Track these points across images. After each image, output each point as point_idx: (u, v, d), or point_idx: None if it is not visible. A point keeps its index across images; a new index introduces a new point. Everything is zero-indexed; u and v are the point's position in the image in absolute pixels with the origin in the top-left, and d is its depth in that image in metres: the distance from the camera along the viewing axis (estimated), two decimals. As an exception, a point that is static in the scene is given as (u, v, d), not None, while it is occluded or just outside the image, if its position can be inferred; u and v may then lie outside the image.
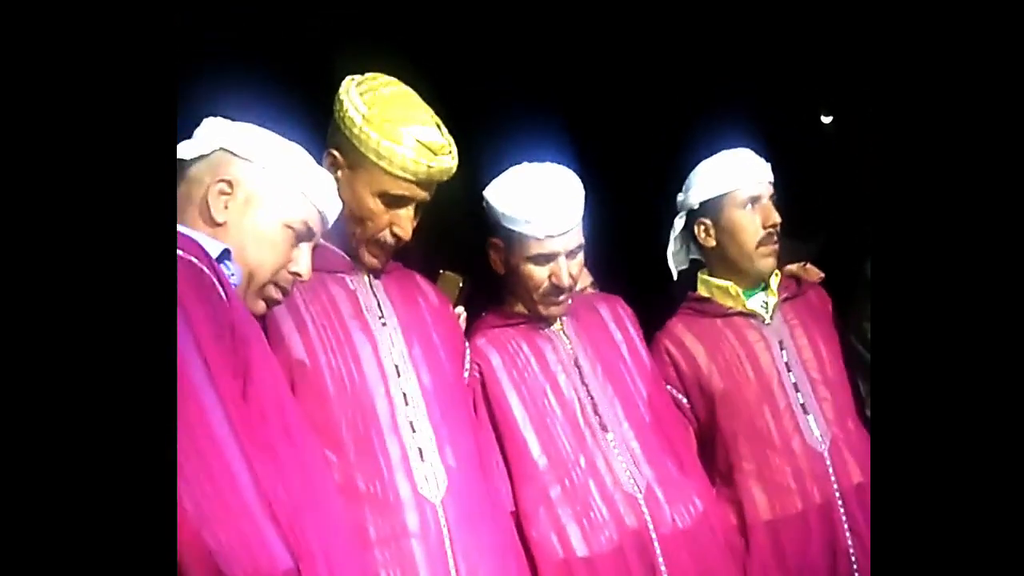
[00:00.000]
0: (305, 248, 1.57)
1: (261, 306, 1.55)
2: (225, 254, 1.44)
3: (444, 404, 1.80)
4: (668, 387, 2.26)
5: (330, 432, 1.70)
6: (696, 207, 2.30)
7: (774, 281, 2.32)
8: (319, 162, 1.68)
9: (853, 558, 2.15)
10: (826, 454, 2.19)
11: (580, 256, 2.06)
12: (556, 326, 2.12)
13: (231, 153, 1.52)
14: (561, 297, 2.05)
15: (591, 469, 1.99)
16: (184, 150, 1.53)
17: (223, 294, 1.32)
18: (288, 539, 1.19)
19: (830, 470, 2.18)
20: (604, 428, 2.03)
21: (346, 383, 1.74)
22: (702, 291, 2.36)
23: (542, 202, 1.97)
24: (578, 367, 2.08)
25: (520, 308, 2.11)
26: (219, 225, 1.49)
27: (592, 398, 2.05)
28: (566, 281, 2.01)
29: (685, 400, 2.27)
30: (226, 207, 1.50)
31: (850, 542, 2.16)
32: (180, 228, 1.40)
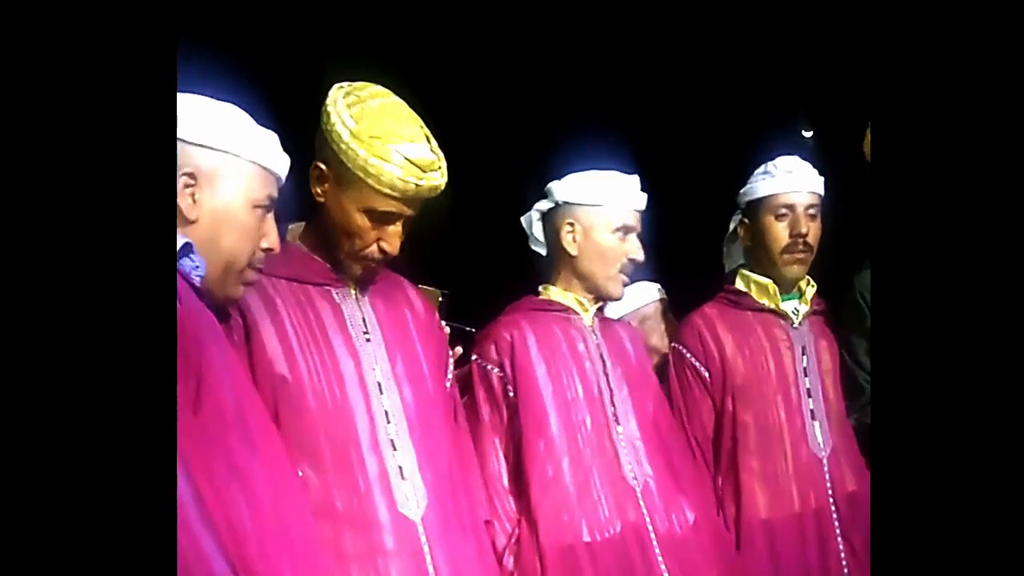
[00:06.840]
0: (270, 218, 1.51)
1: (241, 290, 1.51)
2: (186, 248, 1.36)
3: (425, 420, 1.77)
4: (692, 359, 2.34)
5: (309, 449, 1.66)
6: (743, 207, 2.42)
7: (809, 291, 2.40)
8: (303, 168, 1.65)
9: (844, 563, 2.24)
10: (825, 461, 2.27)
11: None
12: (588, 322, 2.20)
13: (183, 141, 1.41)
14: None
15: (601, 454, 2.07)
16: None
17: None
18: (229, 552, 1.13)
19: (827, 476, 2.26)
20: (616, 420, 2.11)
21: (327, 399, 1.69)
22: (740, 285, 2.43)
23: (624, 181, 2.18)
24: (603, 360, 2.16)
25: (559, 298, 2.20)
26: (193, 222, 1.41)
27: (611, 390, 2.14)
28: (641, 257, 2.19)
29: (707, 374, 2.33)
30: (194, 200, 1.42)
31: (841, 547, 2.25)
32: None
